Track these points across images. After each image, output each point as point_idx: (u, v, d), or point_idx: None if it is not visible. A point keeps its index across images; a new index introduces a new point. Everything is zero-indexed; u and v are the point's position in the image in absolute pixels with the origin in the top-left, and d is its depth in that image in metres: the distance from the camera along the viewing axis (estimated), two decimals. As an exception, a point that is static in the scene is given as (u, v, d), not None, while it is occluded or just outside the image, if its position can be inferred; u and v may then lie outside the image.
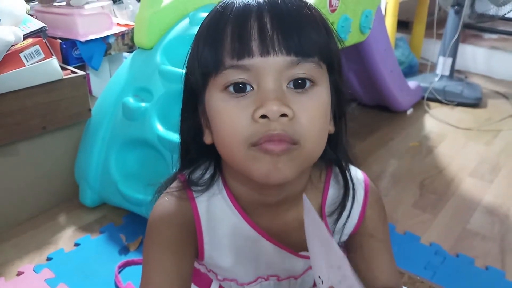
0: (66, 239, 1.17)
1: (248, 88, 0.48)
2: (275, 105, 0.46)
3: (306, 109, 0.48)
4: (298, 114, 0.48)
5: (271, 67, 0.47)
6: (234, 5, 0.49)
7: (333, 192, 0.61)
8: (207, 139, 0.55)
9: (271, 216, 0.59)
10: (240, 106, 0.48)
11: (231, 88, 0.49)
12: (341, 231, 0.62)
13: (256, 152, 0.48)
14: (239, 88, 0.48)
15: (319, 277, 0.50)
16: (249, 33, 0.47)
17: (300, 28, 0.48)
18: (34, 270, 1.06)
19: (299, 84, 0.49)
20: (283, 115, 0.47)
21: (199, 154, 0.59)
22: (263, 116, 0.47)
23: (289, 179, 0.50)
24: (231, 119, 0.48)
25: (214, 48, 0.49)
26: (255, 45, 0.47)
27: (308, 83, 0.49)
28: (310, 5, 0.51)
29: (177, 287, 0.55)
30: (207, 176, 0.59)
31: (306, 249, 0.61)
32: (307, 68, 0.48)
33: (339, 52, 0.54)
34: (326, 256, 0.49)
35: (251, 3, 0.49)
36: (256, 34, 0.47)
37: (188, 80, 0.54)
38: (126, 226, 1.21)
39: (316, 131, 0.50)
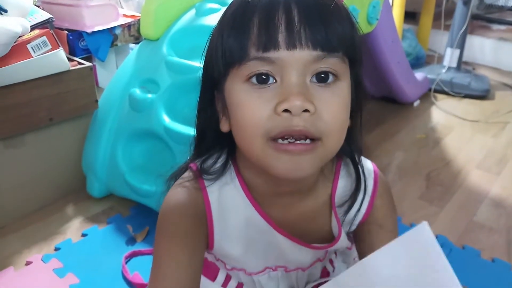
0: (74, 229, 1.18)
1: (271, 80, 0.48)
2: (298, 100, 0.46)
3: (329, 104, 0.48)
4: (321, 109, 0.48)
5: (296, 61, 0.47)
6: None
7: (343, 183, 0.61)
8: (224, 127, 0.55)
9: (283, 206, 0.59)
10: (262, 98, 0.48)
11: (254, 79, 0.48)
12: (351, 222, 0.62)
13: (275, 151, 0.48)
14: (262, 79, 0.48)
15: None
16: (276, 25, 0.47)
17: (327, 22, 0.47)
18: (42, 260, 1.07)
19: (322, 78, 0.49)
20: (306, 110, 0.47)
21: (214, 141, 0.59)
22: (285, 110, 0.47)
23: (309, 175, 0.51)
24: (253, 110, 0.48)
25: (240, 38, 0.48)
26: (281, 38, 0.47)
27: (331, 77, 0.49)
28: None
29: (188, 278, 0.56)
30: (219, 164, 0.59)
31: (317, 241, 0.62)
32: (332, 63, 0.48)
33: (362, 47, 0.53)
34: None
35: None
36: (283, 27, 0.47)
37: (208, 68, 0.54)
38: (133, 217, 1.22)
39: (337, 127, 0.50)
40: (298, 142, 0.48)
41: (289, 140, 0.48)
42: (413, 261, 0.44)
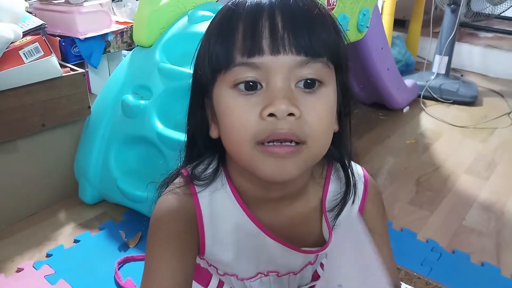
0: (66, 235, 1.18)
1: (258, 86, 0.49)
2: (283, 104, 0.47)
3: (314, 109, 0.49)
4: (306, 114, 0.48)
5: (281, 66, 0.48)
6: (246, 2, 0.50)
7: (333, 188, 0.62)
8: (214, 133, 0.55)
9: (274, 211, 0.60)
10: (249, 104, 0.49)
11: (241, 86, 0.49)
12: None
13: (262, 154, 0.49)
14: (249, 86, 0.49)
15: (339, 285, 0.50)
16: (261, 31, 0.48)
17: (311, 28, 0.48)
18: (34, 267, 1.06)
19: (308, 84, 0.49)
20: (291, 114, 0.47)
21: (205, 147, 0.59)
22: (271, 115, 0.47)
23: (295, 177, 0.51)
24: (240, 116, 0.49)
25: (225, 45, 0.49)
26: (266, 43, 0.47)
27: (316, 84, 0.50)
28: (321, 5, 0.51)
29: (179, 282, 0.56)
30: (210, 170, 0.59)
31: (308, 245, 0.62)
32: (316, 68, 0.49)
33: (347, 52, 0.54)
34: (362, 271, 0.48)
35: (263, 2, 0.49)
36: (267, 33, 0.47)
37: (197, 75, 0.55)
38: (126, 222, 1.22)
39: (322, 131, 0.50)
40: (284, 144, 0.49)
41: (275, 143, 0.49)
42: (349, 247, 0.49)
